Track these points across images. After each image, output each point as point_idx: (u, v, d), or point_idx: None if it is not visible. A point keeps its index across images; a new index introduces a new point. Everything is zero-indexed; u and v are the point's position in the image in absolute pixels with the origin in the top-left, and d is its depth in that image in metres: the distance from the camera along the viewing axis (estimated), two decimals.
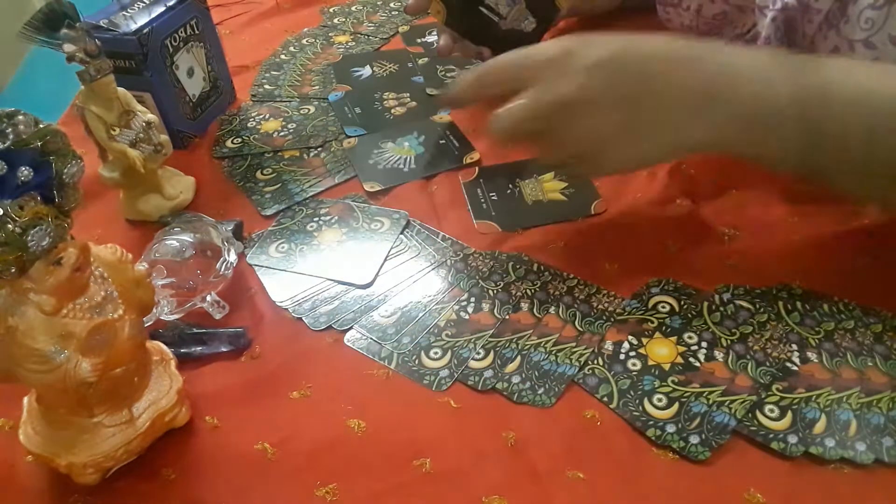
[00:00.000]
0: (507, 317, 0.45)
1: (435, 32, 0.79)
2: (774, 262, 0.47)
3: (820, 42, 0.51)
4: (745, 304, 0.44)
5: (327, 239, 0.52)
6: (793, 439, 0.36)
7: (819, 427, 0.37)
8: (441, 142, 0.62)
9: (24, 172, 0.30)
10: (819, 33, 0.51)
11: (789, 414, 0.38)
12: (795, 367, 0.40)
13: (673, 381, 0.40)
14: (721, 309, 0.44)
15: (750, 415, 0.38)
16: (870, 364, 0.40)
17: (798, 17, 0.51)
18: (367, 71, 0.74)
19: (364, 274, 0.49)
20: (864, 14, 0.47)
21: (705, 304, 0.44)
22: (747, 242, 0.48)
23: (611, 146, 0.44)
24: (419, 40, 0.79)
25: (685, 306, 0.44)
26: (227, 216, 0.55)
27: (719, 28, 0.63)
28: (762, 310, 0.44)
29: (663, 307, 0.44)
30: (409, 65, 0.74)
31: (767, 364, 0.40)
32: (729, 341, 0.42)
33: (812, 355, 0.41)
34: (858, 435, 0.36)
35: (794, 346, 0.41)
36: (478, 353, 0.43)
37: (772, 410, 0.38)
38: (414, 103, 0.68)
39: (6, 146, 0.30)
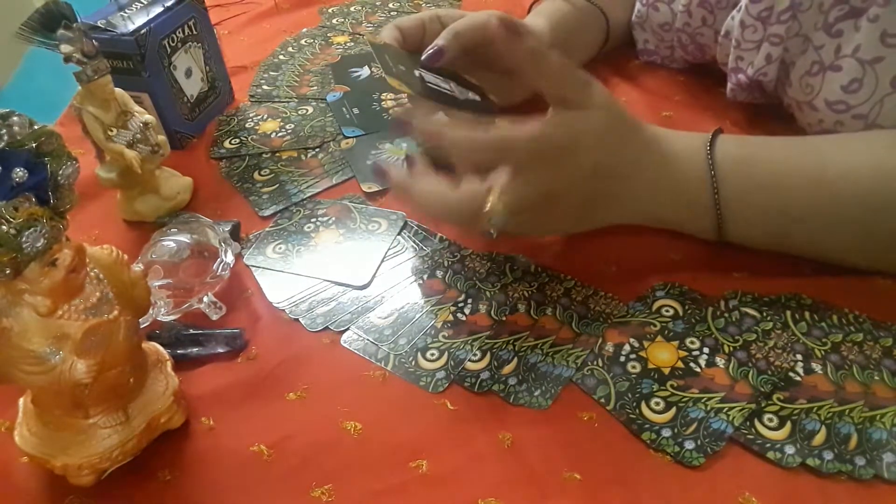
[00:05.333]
0: (504, 318, 0.45)
1: None
2: (784, 275, 0.46)
3: (783, 98, 0.55)
4: (751, 311, 0.44)
5: (324, 240, 0.52)
6: (790, 450, 0.36)
7: (818, 439, 0.37)
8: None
9: (19, 173, 0.30)
10: (778, 90, 0.55)
11: (788, 424, 0.37)
12: (798, 378, 0.40)
13: (672, 386, 0.40)
14: (726, 315, 0.43)
15: (748, 423, 0.38)
16: (876, 378, 0.39)
17: (757, 84, 0.55)
18: (365, 71, 0.74)
19: (361, 275, 0.49)
20: (804, 80, 0.51)
21: (710, 309, 0.44)
22: (756, 253, 0.46)
23: (558, 225, 0.47)
24: None
25: (689, 311, 0.44)
26: (225, 217, 0.55)
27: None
28: (768, 318, 0.43)
29: (667, 311, 0.44)
30: None
31: (769, 373, 0.40)
32: (731, 348, 0.42)
33: (817, 366, 0.40)
34: (858, 449, 0.36)
35: (799, 357, 0.41)
36: (474, 355, 0.43)
37: (770, 420, 0.38)
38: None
39: (0, 147, 0.30)
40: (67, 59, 0.47)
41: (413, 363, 0.43)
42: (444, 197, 0.42)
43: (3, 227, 0.30)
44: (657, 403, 0.39)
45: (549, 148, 0.41)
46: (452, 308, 0.46)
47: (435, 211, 0.44)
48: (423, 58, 0.51)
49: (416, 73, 0.50)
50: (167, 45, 0.59)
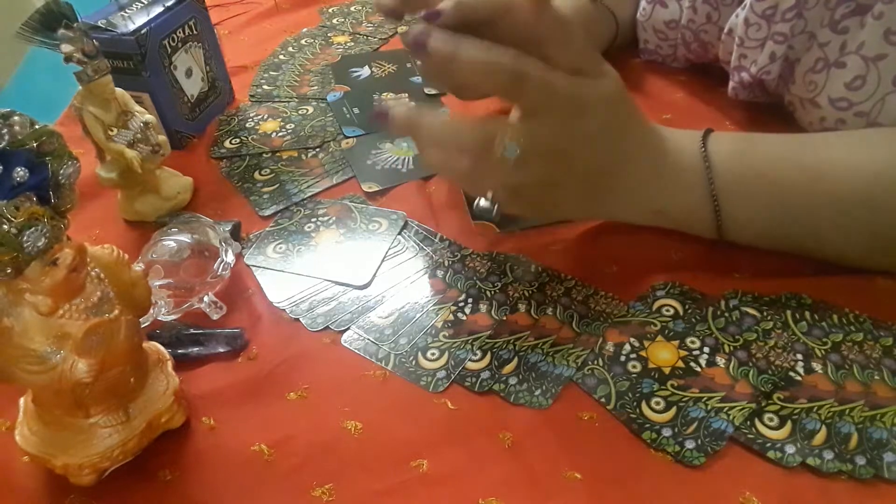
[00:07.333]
0: (505, 318, 0.45)
1: None
2: (784, 275, 0.46)
3: (784, 95, 0.55)
4: (751, 310, 0.43)
5: (325, 239, 0.52)
6: (790, 449, 0.36)
7: (818, 439, 0.37)
8: None
9: (20, 173, 0.30)
10: (780, 89, 0.55)
11: (788, 424, 0.37)
12: (799, 377, 0.40)
13: (672, 385, 0.40)
14: (726, 315, 0.43)
15: (748, 422, 0.38)
16: (876, 378, 0.39)
17: (759, 82, 0.55)
18: (365, 71, 0.74)
19: (362, 275, 0.49)
20: (808, 77, 0.51)
21: (710, 309, 0.44)
22: (756, 253, 0.47)
23: (564, 204, 0.46)
24: None
25: (690, 311, 0.44)
26: (225, 217, 0.55)
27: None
28: (769, 317, 0.43)
29: (667, 310, 0.44)
30: (408, 65, 0.74)
31: (769, 372, 0.40)
32: (732, 347, 0.42)
33: (817, 366, 0.40)
34: (859, 449, 0.36)
35: (800, 356, 0.41)
36: (475, 355, 0.43)
37: (771, 419, 0.38)
38: (412, 104, 0.68)
39: (1, 147, 0.30)
40: (68, 59, 0.47)
41: (413, 363, 0.43)
42: (456, 124, 0.42)
43: (4, 226, 0.30)
44: (657, 403, 0.39)
45: (560, 98, 0.40)
46: (453, 308, 0.46)
47: (445, 137, 0.42)
48: (420, 14, 0.50)
49: (410, 20, 0.48)
50: (167, 45, 0.59)
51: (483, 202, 0.47)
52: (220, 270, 0.47)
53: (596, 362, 0.42)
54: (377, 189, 0.57)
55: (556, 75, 0.40)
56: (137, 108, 0.53)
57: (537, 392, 0.40)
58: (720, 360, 0.41)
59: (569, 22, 0.41)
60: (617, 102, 0.42)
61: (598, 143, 0.42)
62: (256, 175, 0.60)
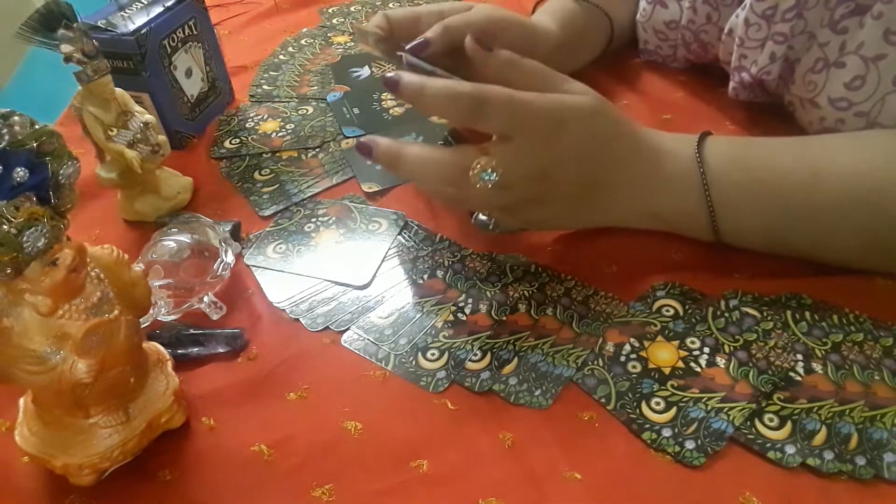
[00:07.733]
0: (505, 318, 0.45)
1: None
2: (784, 275, 0.45)
3: (784, 95, 0.55)
4: (751, 311, 0.43)
5: (325, 240, 0.52)
6: (790, 450, 0.36)
7: (818, 439, 0.37)
8: (439, 142, 0.62)
9: (20, 173, 0.30)
10: (780, 89, 0.55)
11: (789, 424, 0.37)
12: (799, 378, 0.40)
13: (672, 386, 0.40)
14: (726, 315, 0.43)
15: (748, 423, 0.38)
16: (877, 378, 0.39)
17: (759, 82, 0.55)
18: (365, 71, 0.74)
19: (361, 275, 0.49)
20: (808, 77, 0.51)
21: (710, 309, 0.44)
22: (756, 253, 0.46)
23: (555, 215, 0.47)
24: None
25: (690, 311, 0.44)
26: (225, 217, 0.55)
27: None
28: (769, 318, 0.43)
29: (667, 311, 0.44)
30: None
31: (770, 373, 0.40)
32: (732, 348, 0.42)
33: (817, 366, 0.40)
34: (859, 449, 0.36)
35: (800, 356, 0.41)
36: (475, 355, 0.43)
37: (771, 419, 0.38)
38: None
39: (1, 147, 0.30)
40: (68, 59, 0.47)
41: (413, 363, 0.43)
42: (434, 156, 0.43)
43: (4, 226, 0.30)
44: (657, 403, 0.39)
45: (534, 117, 0.41)
46: (453, 308, 0.46)
47: (425, 171, 0.44)
48: (408, 46, 0.50)
49: (400, 55, 0.49)
50: (167, 45, 0.59)
51: (481, 216, 0.48)
52: (219, 270, 0.47)
53: (596, 362, 0.42)
54: (377, 189, 0.57)
55: (526, 95, 0.41)
56: (137, 108, 0.53)
57: (537, 392, 0.40)
58: (720, 361, 0.41)
59: (516, 59, 0.42)
60: (598, 115, 0.43)
61: (582, 157, 0.43)
62: (256, 175, 0.60)
